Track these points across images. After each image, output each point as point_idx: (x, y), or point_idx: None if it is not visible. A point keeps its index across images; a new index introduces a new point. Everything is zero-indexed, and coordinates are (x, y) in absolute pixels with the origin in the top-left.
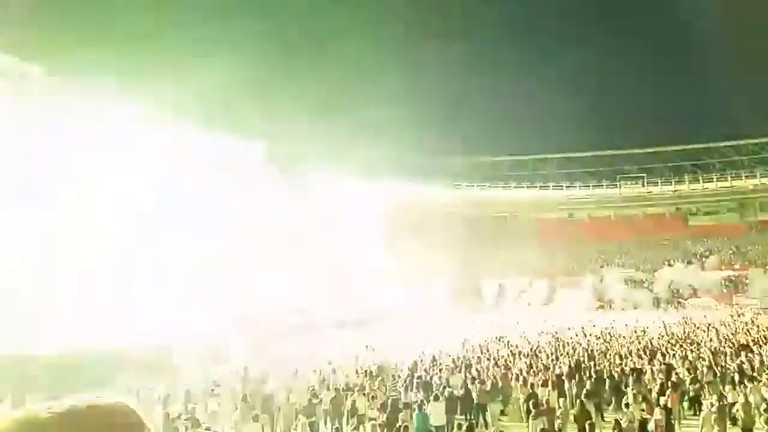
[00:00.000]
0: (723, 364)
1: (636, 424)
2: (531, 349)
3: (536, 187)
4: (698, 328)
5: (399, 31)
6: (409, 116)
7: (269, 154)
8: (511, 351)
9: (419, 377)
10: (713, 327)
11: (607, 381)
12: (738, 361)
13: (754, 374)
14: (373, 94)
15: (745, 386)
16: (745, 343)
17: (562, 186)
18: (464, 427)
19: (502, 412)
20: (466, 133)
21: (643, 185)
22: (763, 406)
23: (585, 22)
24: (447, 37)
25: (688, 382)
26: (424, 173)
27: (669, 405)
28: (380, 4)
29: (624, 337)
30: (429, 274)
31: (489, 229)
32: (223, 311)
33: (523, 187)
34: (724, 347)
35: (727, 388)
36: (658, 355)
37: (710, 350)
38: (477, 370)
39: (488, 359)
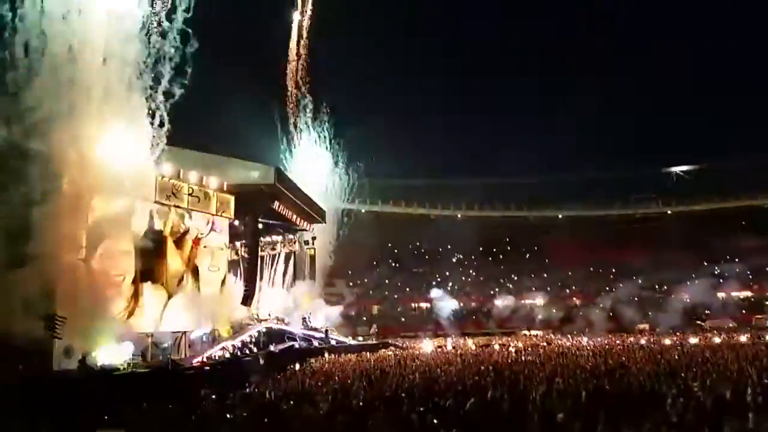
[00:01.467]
0: (746, 389)
1: None
2: (547, 374)
3: (550, 207)
4: (717, 349)
5: None
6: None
7: None
8: (526, 375)
9: (433, 402)
10: (732, 348)
11: (626, 406)
12: (760, 386)
13: None
14: None
15: None
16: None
17: (576, 207)
18: None
19: None
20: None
21: (657, 205)
22: None
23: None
24: None
25: (708, 407)
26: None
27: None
28: None
29: (641, 359)
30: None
31: (504, 250)
32: None
33: (534, 206)
34: (746, 370)
35: (750, 414)
36: (677, 379)
37: (732, 373)
38: (492, 395)
39: (503, 383)
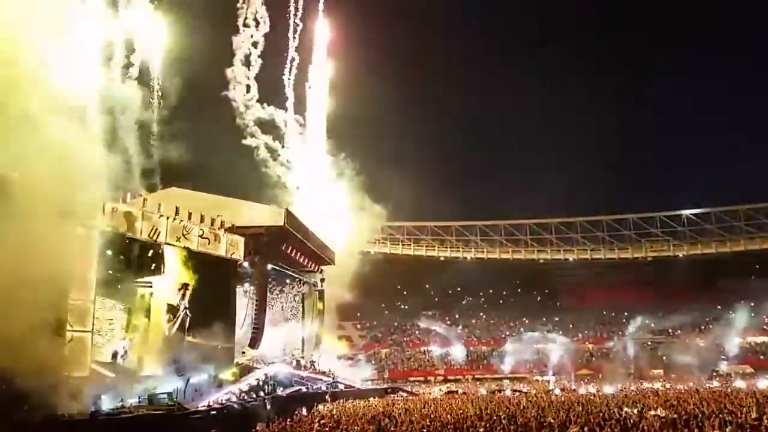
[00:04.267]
0: None
1: None
2: (560, 422)
3: (560, 250)
4: (735, 396)
5: None
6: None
7: None
8: (539, 422)
9: None
10: (751, 395)
11: None
12: None
13: None
14: None
15: None
16: None
17: (587, 250)
18: None
19: None
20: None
21: (668, 248)
22: None
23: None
24: None
25: None
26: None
27: None
28: None
29: (657, 405)
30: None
31: (515, 293)
32: None
33: (546, 250)
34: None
35: None
36: (694, 427)
37: (752, 421)
38: None
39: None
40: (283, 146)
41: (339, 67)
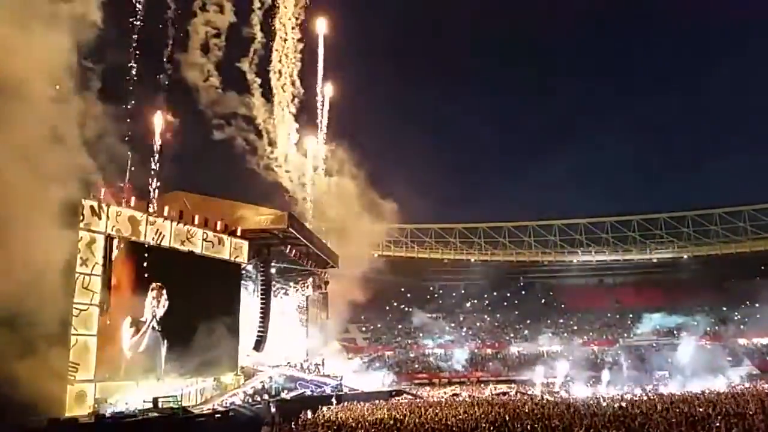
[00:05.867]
0: None
1: None
2: (565, 424)
3: (564, 252)
4: (741, 398)
5: None
6: None
7: None
8: (544, 425)
9: None
10: (757, 398)
11: None
12: None
13: None
14: None
15: None
16: None
17: (591, 251)
18: None
19: None
20: None
21: (673, 250)
22: None
23: None
24: None
25: None
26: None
27: None
28: None
29: (661, 407)
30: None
31: (518, 295)
32: None
33: (550, 252)
34: None
35: None
36: (699, 429)
37: (759, 423)
38: None
39: None
40: (271, 146)
41: (326, 51)
